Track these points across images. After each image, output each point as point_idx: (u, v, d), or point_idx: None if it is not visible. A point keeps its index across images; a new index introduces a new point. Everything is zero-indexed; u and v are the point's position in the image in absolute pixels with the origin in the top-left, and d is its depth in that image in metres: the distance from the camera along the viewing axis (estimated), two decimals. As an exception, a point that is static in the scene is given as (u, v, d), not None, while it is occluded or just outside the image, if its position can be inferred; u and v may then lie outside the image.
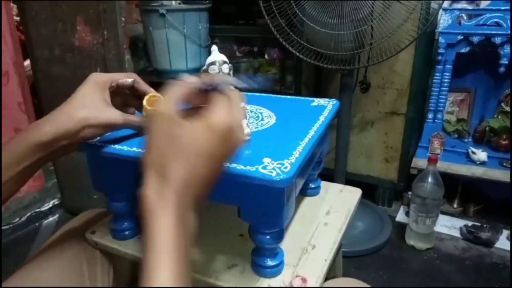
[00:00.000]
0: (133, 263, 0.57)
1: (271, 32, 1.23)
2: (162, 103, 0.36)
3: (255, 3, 1.22)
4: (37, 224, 1.63)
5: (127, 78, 0.50)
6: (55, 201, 1.72)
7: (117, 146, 0.49)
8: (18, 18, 1.62)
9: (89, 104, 0.45)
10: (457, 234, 1.49)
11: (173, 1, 1.45)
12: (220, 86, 0.38)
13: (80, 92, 0.47)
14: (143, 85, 0.50)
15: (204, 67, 0.46)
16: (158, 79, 1.55)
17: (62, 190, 1.69)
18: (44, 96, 1.58)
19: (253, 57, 1.84)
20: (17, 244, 1.50)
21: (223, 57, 0.46)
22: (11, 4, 1.62)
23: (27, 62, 1.69)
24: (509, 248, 1.39)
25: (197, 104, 0.40)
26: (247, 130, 0.46)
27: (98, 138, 0.50)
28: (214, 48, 0.46)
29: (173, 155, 0.33)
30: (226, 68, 0.46)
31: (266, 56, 1.80)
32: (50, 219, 1.68)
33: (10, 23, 1.51)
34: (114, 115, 0.46)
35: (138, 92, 0.51)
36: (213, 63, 0.45)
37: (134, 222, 0.59)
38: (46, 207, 1.69)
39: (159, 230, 0.31)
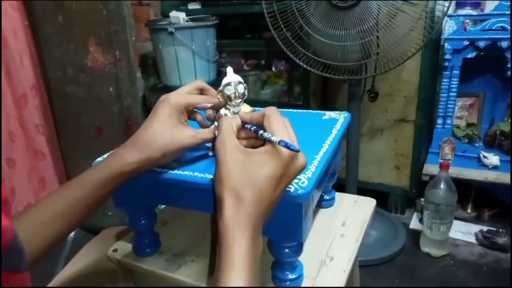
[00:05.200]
0: (154, 279, 0.58)
1: (278, 45, 1.25)
2: (226, 136, 0.40)
3: (261, 17, 1.25)
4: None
5: (206, 103, 0.49)
6: (70, 219, 1.74)
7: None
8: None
9: (167, 131, 0.45)
10: (472, 239, 1.48)
11: (181, 19, 1.48)
12: (260, 134, 0.41)
13: (158, 117, 0.46)
14: (221, 103, 0.49)
15: (220, 88, 0.48)
16: (168, 95, 1.58)
17: (77, 208, 1.72)
18: (58, 115, 1.63)
19: (261, 69, 1.87)
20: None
21: (238, 78, 0.47)
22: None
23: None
24: (526, 253, 1.38)
25: (240, 137, 0.44)
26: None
27: None
28: (229, 69, 0.48)
29: (246, 181, 0.37)
30: (241, 88, 0.47)
31: (273, 68, 1.82)
32: (64, 238, 1.70)
33: (29, 46, 1.55)
34: (190, 139, 0.46)
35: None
36: (229, 83, 0.47)
37: (154, 238, 0.60)
38: (61, 224, 1.71)
39: (236, 248, 0.35)
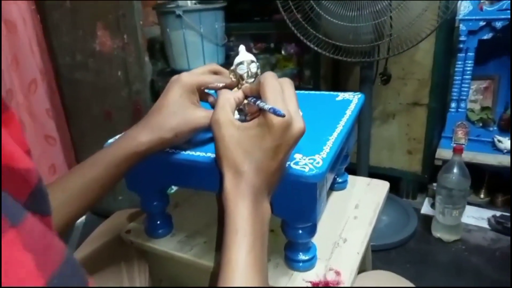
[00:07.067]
0: (167, 260, 0.58)
1: (288, 28, 1.22)
2: (221, 113, 0.39)
3: (271, -1, 1.22)
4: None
5: (218, 83, 0.48)
6: (81, 203, 1.76)
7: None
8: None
9: (180, 111, 0.45)
10: (485, 225, 1.46)
11: (189, 2, 1.46)
12: (262, 107, 0.38)
13: (169, 98, 0.46)
14: (233, 83, 0.48)
15: (233, 67, 0.47)
16: (177, 80, 1.57)
17: (88, 192, 1.74)
18: (68, 101, 1.63)
19: (270, 53, 1.84)
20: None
21: (251, 57, 0.46)
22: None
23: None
24: (540, 238, 1.36)
25: (250, 111, 0.44)
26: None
27: None
28: (242, 48, 0.47)
29: (243, 155, 0.38)
30: (254, 67, 0.46)
31: (283, 52, 1.80)
32: (77, 220, 1.73)
33: (37, 32, 1.55)
34: (202, 119, 0.45)
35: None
36: (241, 63, 0.46)
37: (167, 220, 0.60)
38: (72, 209, 1.74)
39: (238, 215, 0.37)
